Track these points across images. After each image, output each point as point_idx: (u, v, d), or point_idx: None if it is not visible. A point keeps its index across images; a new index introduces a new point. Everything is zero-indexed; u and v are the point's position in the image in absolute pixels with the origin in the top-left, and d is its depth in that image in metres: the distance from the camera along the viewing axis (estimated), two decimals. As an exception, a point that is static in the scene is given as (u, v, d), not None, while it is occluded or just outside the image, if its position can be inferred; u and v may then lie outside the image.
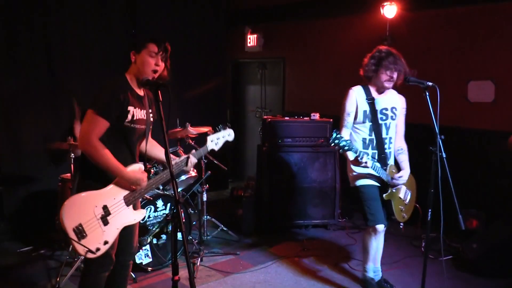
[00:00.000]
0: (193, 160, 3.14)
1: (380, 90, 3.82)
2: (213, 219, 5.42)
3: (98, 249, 2.76)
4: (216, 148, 3.29)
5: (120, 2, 6.08)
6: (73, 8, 5.60)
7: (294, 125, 5.68)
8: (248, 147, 8.34)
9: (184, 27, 6.79)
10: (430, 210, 3.38)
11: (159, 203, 4.43)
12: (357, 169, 3.82)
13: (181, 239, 3.87)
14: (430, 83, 3.38)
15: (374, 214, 3.80)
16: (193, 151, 3.20)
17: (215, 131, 3.32)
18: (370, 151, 3.81)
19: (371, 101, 3.79)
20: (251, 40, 7.72)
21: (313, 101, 7.05)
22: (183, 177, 4.76)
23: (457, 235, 4.99)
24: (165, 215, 4.45)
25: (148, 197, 4.34)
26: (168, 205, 4.49)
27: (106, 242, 2.80)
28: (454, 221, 3.25)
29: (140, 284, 4.18)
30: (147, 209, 4.34)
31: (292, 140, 5.65)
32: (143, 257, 4.34)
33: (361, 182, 3.86)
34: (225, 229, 5.40)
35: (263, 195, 5.63)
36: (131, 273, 4.19)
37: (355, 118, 3.81)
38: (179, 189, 4.99)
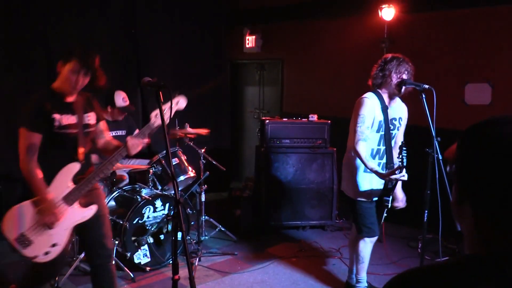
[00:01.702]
0: (131, 142, 2.96)
1: (392, 97, 3.71)
2: (211, 220, 5.44)
3: (47, 253, 2.87)
4: (166, 120, 2.76)
5: (120, 3, 6.10)
6: (73, 7, 5.62)
7: (292, 126, 5.71)
8: (246, 148, 8.36)
9: (183, 28, 6.82)
10: (426, 211, 3.42)
11: (158, 203, 4.46)
12: (364, 185, 3.73)
13: (180, 239, 3.91)
14: (426, 86, 3.42)
15: (371, 228, 3.78)
16: (135, 132, 3.15)
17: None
18: (376, 161, 3.72)
19: (385, 110, 3.68)
20: (250, 41, 7.74)
21: (311, 103, 7.08)
22: (182, 178, 4.78)
23: (454, 236, 5.03)
24: (164, 215, 4.47)
25: (147, 197, 4.37)
26: (167, 205, 4.51)
27: (55, 245, 2.89)
28: (450, 222, 3.29)
29: (138, 283, 4.21)
30: (146, 209, 4.37)
31: (290, 141, 5.68)
32: (141, 257, 4.36)
33: (363, 197, 3.76)
34: (223, 229, 5.42)
35: (261, 196, 5.66)
36: (130, 272, 4.23)
37: (370, 127, 3.65)
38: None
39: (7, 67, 5.18)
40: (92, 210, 3.05)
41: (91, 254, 3.15)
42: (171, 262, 3.98)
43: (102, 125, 3.26)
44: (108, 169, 3.07)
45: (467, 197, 1.01)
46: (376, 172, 3.55)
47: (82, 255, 4.12)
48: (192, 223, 5.28)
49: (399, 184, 3.73)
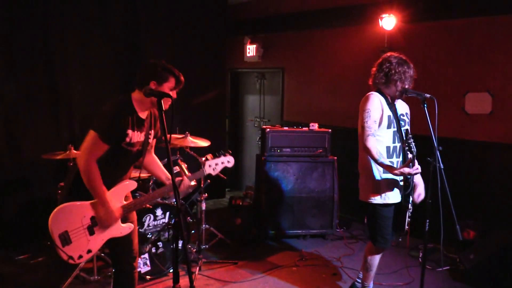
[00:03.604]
0: (186, 183, 3.19)
1: (393, 98, 3.68)
2: (211, 228, 5.43)
3: (80, 257, 2.90)
4: (214, 173, 3.32)
5: (122, 11, 6.13)
6: (74, 16, 5.64)
7: (293, 135, 5.71)
8: (246, 156, 8.37)
9: (184, 36, 6.84)
10: (428, 220, 3.41)
11: (158, 212, 4.45)
12: (383, 187, 3.63)
13: (181, 247, 3.90)
14: (428, 95, 3.41)
15: (385, 238, 3.72)
16: (189, 174, 3.25)
17: (214, 156, 3.34)
18: (395, 159, 3.62)
19: (392, 106, 3.63)
20: (251, 50, 7.78)
21: (312, 111, 7.09)
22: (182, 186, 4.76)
23: (455, 246, 5.02)
24: (164, 224, 4.46)
25: (147, 205, 4.36)
26: (167, 214, 4.50)
27: (89, 251, 2.92)
28: (451, 231, 3.28)
29: (138, 292, 4.19)
30: (146, 218, 4.36)
31: (291, 150, 5.68)
32: (141, 265, 4.34)
33: (382, 200, 3.65)
34: (223, 238, 5.41)
35: (262, 205, 5.65)
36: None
37: (379, 124, 3.58)
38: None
39: (8, 74, 5.19)
40: (130, 228, 3.08)
41: (118, 259, 3.17)
42: (171, 271, 3.97)
43: (153, 142, 3.30)
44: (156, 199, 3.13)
45: None
46: (388, 168, 3.48)
47: (82, 263, 4.10)
48: (193, 231, 5.28)
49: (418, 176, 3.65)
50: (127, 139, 2.89)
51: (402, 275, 4.68)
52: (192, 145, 5.02)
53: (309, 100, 7.22)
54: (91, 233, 2.91)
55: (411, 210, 3.67)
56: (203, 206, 5.16)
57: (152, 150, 3.31)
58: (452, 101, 5.56)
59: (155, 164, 3.32)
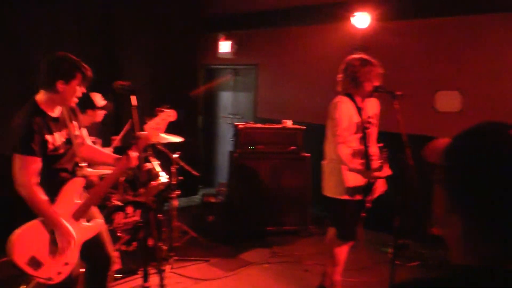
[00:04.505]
0: (134, 155, 3.03)
1: (363, 98, 3.75)
2: (183, 226, 5.38)
3: (60, 273, 2.76)
4: (159, 132, 3.17)
5: (95, 7, 6.01)
6: (49, 15, 5.51)
7: (266, 132, 5.71)
8: (219, 153, 8.32)
9: (157, 32, 6.76)
10: (397, 216, 3.45)
11: (129, 209, 4.38)
12: (349, 182, 3.71)
13: (151, 245, 3.85)
14: (399, 93, 3.46)
15: (352, 231, 3.81)
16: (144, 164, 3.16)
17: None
18: (358, 161, 3.71)
19: (360, 111, 3.70)
20: (224, 46, 7.73)
21: (286, 108, 7.10)
22: (154, 183, 4.71)
23: (424, 241, 5.09)
24: (135, 221, 4.40)
25: (118, 203, 4.30)
26: (138, 211, 4.44)
27: (66, 264, 2.79)
28: (421, 227, 3.33)
29: (108, 291, 4.12)
30: (116, 215, 4.29)
31: (264, 147, 5.67)
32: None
33: (349, 195, 3.73)
34: (195, 235, 5.37)
35: (234, 202, 5.63)
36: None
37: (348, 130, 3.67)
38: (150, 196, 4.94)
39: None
40: (98, 225, 2.99)
41: (92, 261, 3.06)
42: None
43: (84, 132, 3.19)
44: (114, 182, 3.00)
45: (457, 207, 0.99)
46: (360, 172, 3.58)
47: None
48: (164, 229, 5.22)
49: None
50: (50, 146, 2.78)
51: (373, 271, 4.72)
52: (164, 141, 4.95)
53: (283, 97, 7.23)
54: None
55: (369, 206, 3.78)
56: (175, 203, 5.11)
57: (86, 141, 3.19)
58: (423, 99, 5.64)
59: (96, 151, 3.21)
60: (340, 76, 3.73)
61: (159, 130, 3.17)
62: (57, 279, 2.74)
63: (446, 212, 1.02)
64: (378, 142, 3.86)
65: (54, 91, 2.77)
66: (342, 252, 3.91)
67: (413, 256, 4.98)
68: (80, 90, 2.82)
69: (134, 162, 3.01)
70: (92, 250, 3.02)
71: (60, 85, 2.75)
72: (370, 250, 5.26)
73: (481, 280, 0.94)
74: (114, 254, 3.22)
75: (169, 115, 3.18)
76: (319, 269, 4.72)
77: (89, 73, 2.87)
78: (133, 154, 2.99)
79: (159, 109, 3.24)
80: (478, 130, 1.02)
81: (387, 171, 3.47)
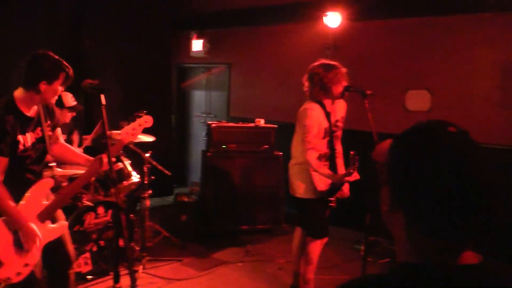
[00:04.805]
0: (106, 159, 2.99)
1: (333, 101, 3.80)
2: (156, 226, 5.33)
3: (19, 274, 2.70)
4: (134, 138, 3.21)
5: (65, 5, 5.91)
6: (18, 14, 5.39)
7: (239, 131, 5.70)
8: (192, 152, 8.28)
9: (129, 30, 6.69)
10: (369, 214, 3.50)
11: (100, 209, 4.32)
12: (318, 185, 3.77)
13: (122, 246, 3.80)
14: (369, 92, 3.51)
15: (324, 228, 3.87)
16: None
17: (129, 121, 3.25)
18: (323, 163, 3.78)
19: (328, 116, 3.75)
20: (197, 45, 7.69)
21: (258, 107, 7.11)
22: (125, 183, 4.66)
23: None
24: (106, 222, 4.34)
25: (88, 203, 4.23)
26: (110, 211, 4.38)
27: (27, 265, 2.73)
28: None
29: (79, 293, 4.06)
30: (87, 216, 4.22)
31: (237, 146, 5.67)
32: (82, 265, 4.21)
33: (317, 196, 3.80)
34: (168, 235, 5.33)
35: (208, 201, 5.61)
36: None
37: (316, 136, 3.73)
38: (122, 195, 4.89)
39: None
40: (63, 227, 2.93)
41: (52, 261, 3.00)
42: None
43: (58, 130, 3.13)
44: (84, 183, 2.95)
45: (399, 204, 1.01)
46: (330, 177, 3.65)
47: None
48: (136, 229, 5.16)
49: (342, 164, 3.92)
50: (21, 147, 2.74)
51: (345, 268, 4.77)
52: (136, 141, 4.90)
53: (256, 96, 7.23)
54: (21, 246, 2.71)
55: (333, 206, 3.87)
56: (147, 203, 5.06)
57: (60, 140, 3.14)
58: (394, 98, 5.71)
59: (68, 151, 3.16)
60: (306, 85, 3.77)
61: (134, 135, 3.19)
62: (16, 279, 2.69)
63: (391, 210, 1.04)
64: (351, 150, 3.93)
65: (36, 91, 2.73)
66: (316, 250, 3.93)
67: (384, 253, 5.05)
68: (60, 90, 2.77)
69: (106, 167, 2.97)
70: (53, 250, 2.97)
71: (42, 86, 2.71)
72: (342, 247, 5.32)
73: (416, 277, 0.96)
74: (74, 254, 3.17)
75: (146, 120, 3.21)
76: (292, 267, 4.75)
77: (71, 72, 2.83)
78: (106, 159, 2.94)
79: (136, 114, 3.25)
80: (418, 128, 1.04)
81: (355, 176, 3.52)
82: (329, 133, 3.77)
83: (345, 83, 3.69)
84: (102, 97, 2.63)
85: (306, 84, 3.77)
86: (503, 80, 5.04)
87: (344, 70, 3.71)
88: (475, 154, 0.96)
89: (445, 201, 0.93)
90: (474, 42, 5.22)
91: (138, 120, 3.18)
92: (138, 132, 3.17)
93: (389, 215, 1.06)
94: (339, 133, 3.91)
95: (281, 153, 5.71)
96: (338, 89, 3.67)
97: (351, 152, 3.44)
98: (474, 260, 0.98)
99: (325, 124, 3.73)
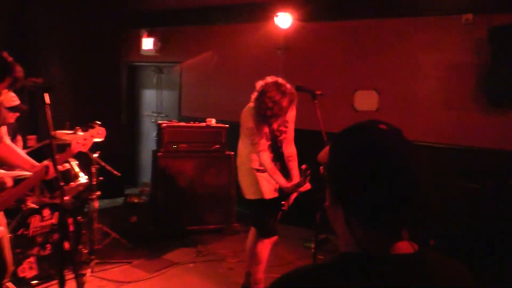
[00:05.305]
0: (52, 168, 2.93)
1: None
2: (104, 227, 5.21)
3: None
4: (84, 149, 3.18)
5: (11, 1, 5.69)
6: None
7: (190, 131, 5.67)
8: (143, 152, 8.16)
9: (77, 27, 6.51)
10: (319, 212, 3.55)
11: (46, 212, 4.18)
12: (267, 185, 3.83)
13: (68, 249, 3.70)
14: (318, 92, 3.56)
15: (273, 228, 3.90)
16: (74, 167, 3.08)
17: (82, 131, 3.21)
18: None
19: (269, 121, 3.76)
20: (148, 43, 7.57)
21: (209, 107, 7.08)
22: (72, 184, 4.53)
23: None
24: (52, 225, 4.20)
25: (33, 206, 4.08)
26: (56, 214, 4.24)
27: None
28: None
29: (23, 299, 3.91)
30: (32, 219, 4.07)
31: (188, 146, 5.62)
32: (27, 270, 4.06)
33: (265, 196, 3.84)
34: (117, 237, 5.22)
35: (158, 201, 5.54)
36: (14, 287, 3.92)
37: None
38: (68, 197, 4.75)
39: None
40: (2, 232, 2.82)
41: None
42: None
43: (3, 129, 3.00)
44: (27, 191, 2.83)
45: (337, 199, 1.07)
46: (281, 185, 3.68)
47: None
48: (84, 232, 5.03)
49: (296, 167, 3.90)
50: None
51: (296, 266, 4.81)
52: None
53: (207, 96, 7.20)
54: None
55: (285, 209, 3.93)
56: (96, 204, 4.94)
57: (5, 139, 3.02)
58: (343, 98, 5.83)
59: (13, 153, 3.02)
60: (254, 96, 3.73)
61: (86, 146, 3.13)
62: None
63: (331, 205, 1.12)
64: (301, 149, 3.98)
65: None
66: (265, 250, 3.95)
67: (334, 250, 5.14)
68: (6, 93, 2.66)
69: (52, 175, 2.87)
70: None
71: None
72: (293, 246, 5.38)
73: (351, 265, 1.02)
74: (11, 263, 3.04)
75: (98, 132, 3.20)
76: (243, 267, 4.76)
77: (20, 75, 2.68)
78: (52, 168, 2.85)
79: (90, 124, 3.19)
80: (352, 127, 1.11)
81: (306, 187, 3.58)
82: (272, 137, 3.80)
83: (290, 86, 3.65)
84: (46, 96, 2.54)
85: (255, 95, 3.72)
86: (447, 81, 5.24)
87: (276, 78, 3.64)
88: (404, 150, 1.03)
89: (375, 194, 1.00)
90: (420, 44, 5.40)
91: (91, 131, 3.16)
92: (90, 143, 3.15)
93: (331, 209, 1.13)
94: (283, 137, 3.89)
95: (232, 153, 5.71)
96: (287, 98, 3.55)
97: (303, 166, 3.49)
98: (409, 250, 1.05)
99: (266, 128, 3.76)
